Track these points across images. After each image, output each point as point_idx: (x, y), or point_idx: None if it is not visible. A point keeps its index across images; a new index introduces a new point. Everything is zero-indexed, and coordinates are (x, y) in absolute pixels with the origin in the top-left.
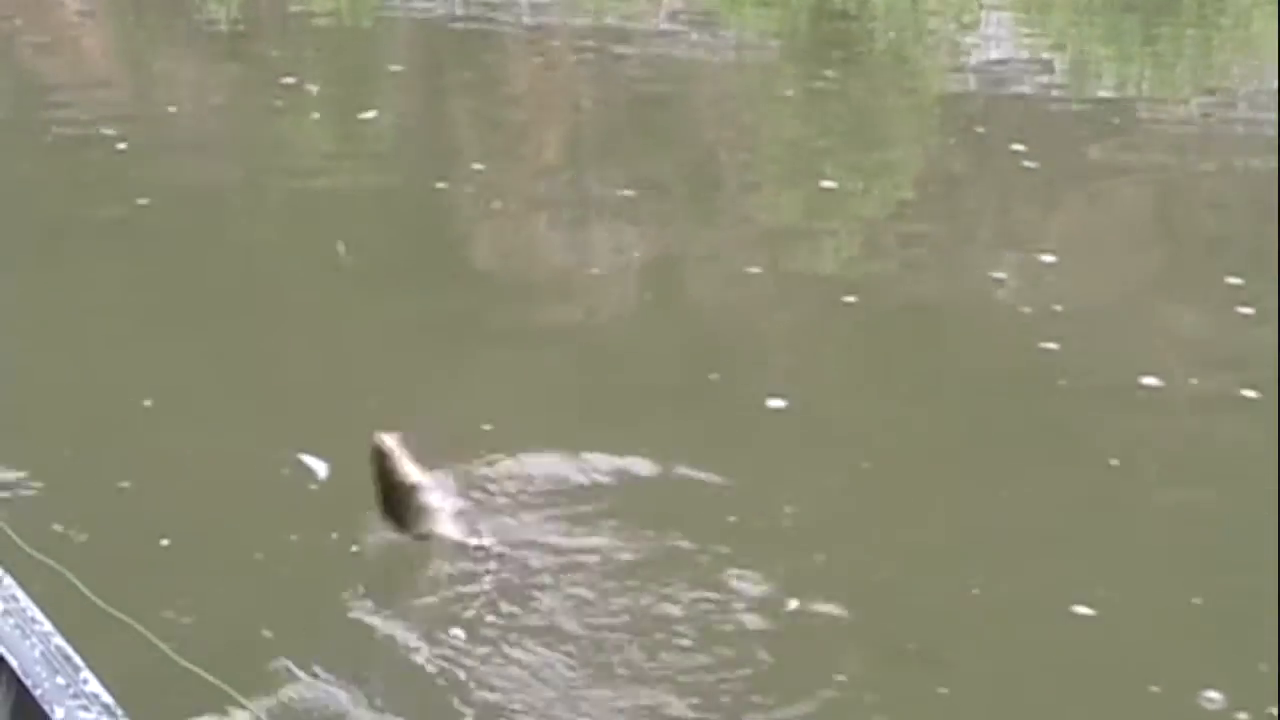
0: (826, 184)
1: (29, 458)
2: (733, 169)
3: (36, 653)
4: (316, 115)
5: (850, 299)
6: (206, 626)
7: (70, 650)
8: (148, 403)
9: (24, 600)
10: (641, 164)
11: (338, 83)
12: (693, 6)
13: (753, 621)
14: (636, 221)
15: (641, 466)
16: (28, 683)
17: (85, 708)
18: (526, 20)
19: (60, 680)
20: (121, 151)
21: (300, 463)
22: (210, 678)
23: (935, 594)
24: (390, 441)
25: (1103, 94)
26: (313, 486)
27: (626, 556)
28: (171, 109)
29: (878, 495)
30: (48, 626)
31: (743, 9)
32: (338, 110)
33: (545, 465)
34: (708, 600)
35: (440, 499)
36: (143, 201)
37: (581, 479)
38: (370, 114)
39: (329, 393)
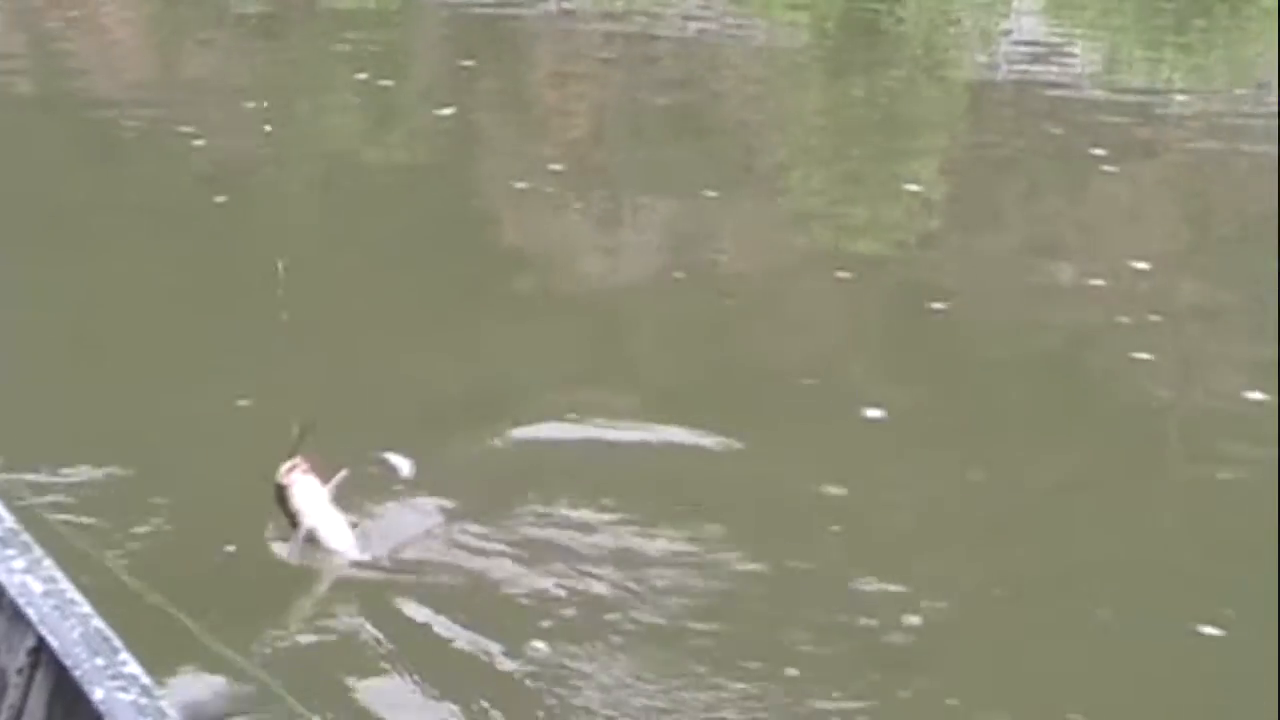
0: (911, 187)
1: (118, 456)
2: (823, 168)
3: (76, 634)
4: (395, 113)
5: (938, 305)
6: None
7: (109, 632)
8: (243, 402)
9: (63, 582)
10: (722, 161)
11: (410, 78)
12: None
13: (873, 639)
14: (721, 224)
15: (737, 472)
16: (67, 663)
17: (124, 689)
18: (551, 6)
19: (99, 661)
20: (199, 148)
21: (385, 462)
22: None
23: (1057, 613)
24: (286, 476)
25: (1136, 86)
26: (397, 487)
27: (729, 567)
28: (249, 105)
29: (989, 510)
30: (87, 608)
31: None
32: (415, 107)
33: (631, 458)
34: (818, 619)
35: (331, 533)
36: (220, 199)
37: (670, 483)
38: (447, 110)
39: (418, 392)
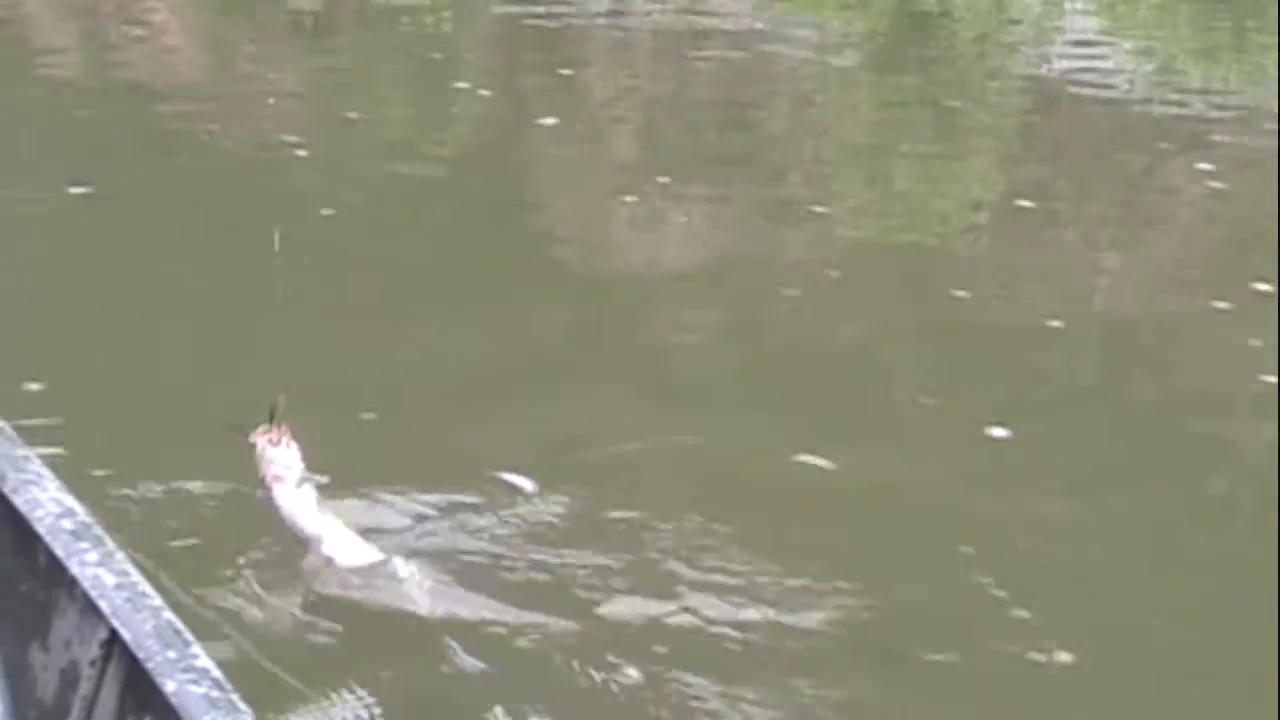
0: (1024, 203)
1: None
2: (910, 180)
3: (148, 626)
4: (500, 124)
5: (1055, 323)
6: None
7: (180, 625)
8: (369, 415)
9: (135, 575)
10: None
11: (508, 87)
12: None
13: (1022, 678)
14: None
15: (854, 494)
16: (140, 655)
17: (195, 682)
18: (602, 6)
19: (172, 654)
20: (302, 159)
21: (504, 482)
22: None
23: (1207, 649)
24: (259, 436)
25: (1192, 86)
26: (521, 509)
27: (853, 592)
28: (351, 114)
29: (1130, 539)
30: (158, 601)
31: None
32: (517, 118)
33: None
34: (959, 652)
35: (295, 507)
36: (327, 212)
37: (775, 503)
38: (550, 120)
39: (536, 412)
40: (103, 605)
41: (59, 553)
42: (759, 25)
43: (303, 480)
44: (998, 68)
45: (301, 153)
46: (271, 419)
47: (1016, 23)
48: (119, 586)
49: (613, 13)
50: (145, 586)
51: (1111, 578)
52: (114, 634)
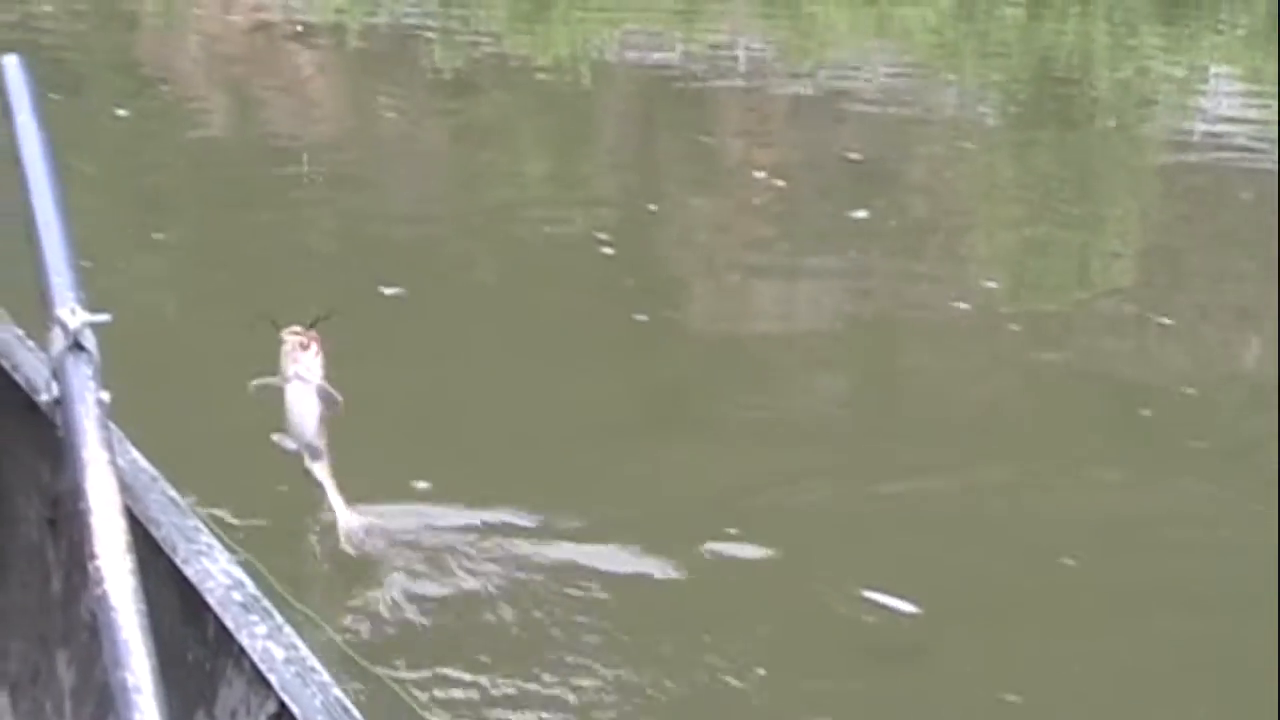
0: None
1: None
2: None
3: (317, 702)
4: (800, 215)
5: None
6: None
7: (348, 702)
8: (733, 529)
9: (303, 650)
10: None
11: (798, 174)
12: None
13: None
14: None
15: None
16: None
17: None
18: (740, 73)
19: None
20: (610, 257)
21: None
22: None
23: None
24: (289, 333)
25: None
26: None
27: None
28: (652, 207)
29: None
30: (326, 677)
31: (963, 65)
32: (824, 210)
33: None
34: None
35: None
36: (641, 318)
37: None
38: (861, 213)
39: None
40: (271, 679)
41: (228, 624)
42: (897, 83)
43: (318, 389)
44: (1139, 144)
45: (608, 250)
46: (312, 325)
47: (1158, 99)
48: (288, 661)
49: (750, 78)
50: (314, 662)
51: None
52: (283, 707)
